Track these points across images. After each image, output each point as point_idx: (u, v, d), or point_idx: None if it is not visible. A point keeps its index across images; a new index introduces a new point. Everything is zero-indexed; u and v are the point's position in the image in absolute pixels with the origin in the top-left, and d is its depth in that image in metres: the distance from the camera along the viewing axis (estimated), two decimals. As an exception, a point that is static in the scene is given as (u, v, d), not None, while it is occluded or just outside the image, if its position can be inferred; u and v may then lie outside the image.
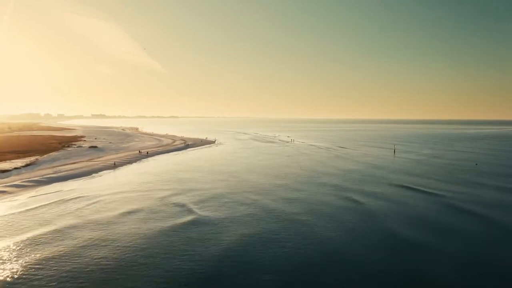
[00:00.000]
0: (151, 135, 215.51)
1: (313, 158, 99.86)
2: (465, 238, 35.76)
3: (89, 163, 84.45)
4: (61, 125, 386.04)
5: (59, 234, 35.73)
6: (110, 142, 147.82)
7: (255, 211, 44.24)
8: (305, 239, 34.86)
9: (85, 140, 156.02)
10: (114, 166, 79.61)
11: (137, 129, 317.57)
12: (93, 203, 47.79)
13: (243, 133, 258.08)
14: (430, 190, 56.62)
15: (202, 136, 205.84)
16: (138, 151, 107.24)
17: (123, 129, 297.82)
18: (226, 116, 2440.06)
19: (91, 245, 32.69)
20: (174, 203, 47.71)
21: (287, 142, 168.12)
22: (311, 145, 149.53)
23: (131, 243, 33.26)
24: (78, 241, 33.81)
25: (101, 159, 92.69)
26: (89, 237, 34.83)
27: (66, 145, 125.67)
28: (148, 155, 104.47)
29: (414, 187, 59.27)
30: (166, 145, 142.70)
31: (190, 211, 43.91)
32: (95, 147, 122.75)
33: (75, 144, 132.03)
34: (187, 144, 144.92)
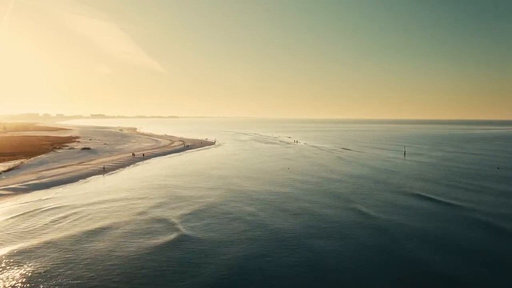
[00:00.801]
0: (149, 135, 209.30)
1: (317, 162, 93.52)
2: (504, 264, 29.50)
3: (79, 167, 78.19)
4: (58, 126, 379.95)
5: (9, 259, 29.37)
6: (105, 144, 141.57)
7: (251, 229, 37.51)
8: (307, 267, 28.61)
9: (79, 141, 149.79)
10: (104, 171, 73.27)
11: (135, 129, 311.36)
12: (67, 216, 41.59)
13: (244, 133, 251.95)
14: (454, 202, 50.07)
15: (202, 137, 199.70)
16: (132, 154, 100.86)
17: (120, 130, 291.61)
18: (226, 116, 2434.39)
19: (44, 276, 26.30)
20: (157, 218, 41.28)
21: (289, 143, 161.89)
22: (314, 146, 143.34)
23: (94, 272, 26.94)
24: (30, 269, 27.45)
25: (92, 162, 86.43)
26: (46, 263, 28.54)
27: (57, 147, 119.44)
28: (143, 157, 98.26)
29: (434, 197, 52.74)
30: (164, 146, 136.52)
31: (174, 229, 37.44)
32: (88, 148, 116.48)
33: (67, 146, 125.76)
34: (185, 146, 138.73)
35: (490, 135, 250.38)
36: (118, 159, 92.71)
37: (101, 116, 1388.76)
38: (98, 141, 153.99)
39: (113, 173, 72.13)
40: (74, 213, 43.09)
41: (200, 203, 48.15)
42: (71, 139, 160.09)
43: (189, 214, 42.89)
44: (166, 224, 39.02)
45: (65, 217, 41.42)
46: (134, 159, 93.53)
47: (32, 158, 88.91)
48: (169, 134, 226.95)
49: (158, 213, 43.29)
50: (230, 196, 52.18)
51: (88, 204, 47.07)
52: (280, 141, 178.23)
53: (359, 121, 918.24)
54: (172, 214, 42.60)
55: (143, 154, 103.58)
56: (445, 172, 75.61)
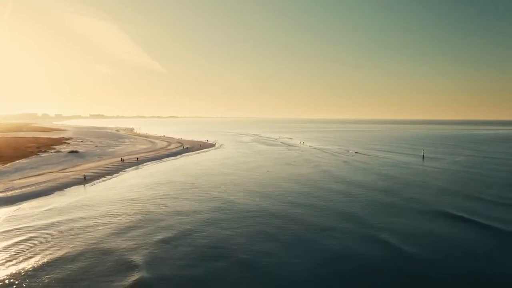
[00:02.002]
0: (145, 137, 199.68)
1: (325, 169, 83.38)
2: None
3: (59, 174, 68.65)
4: (54, 126, 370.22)
5: None
6: (96, 146, 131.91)
7: (239, 273, 27.66)
8: None
9: (69, 143, 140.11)
10: (84, 180, 63.44)
11: (132, 130, 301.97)
12: (4, 249, 31.90)
13: (245, 134, 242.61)
14: (506, 227, 40.47)
15: (201, 138, 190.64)
16: (120, 159, 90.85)
17: (117, 130, 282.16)
18: (226, 116, 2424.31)
19: None
20: (120, 251, 31.51)
21: (291, 145, 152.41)
22: (318, 149, 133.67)
23: None
24: None
25: (76, 168, 76.88)
26: None
27: (43, 150, 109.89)
28: (135, 162, 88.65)
29: (478, 220, 42.58)
30: (160, 149, 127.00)
31: (135, 268, 27.81)
32: (76, 152, 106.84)
33: (54, 148, 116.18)
34: (184, 148, 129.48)
35: (498, 135, 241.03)
36: (105, 164, 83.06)
37: (100, 116, 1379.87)
38: (90, 143, 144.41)
39: (95, 183, 62.18)
40: (19, 241, 33.52)
41: (180, 228, 37.86)
42: (61, 141, 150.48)
43: (162, 246, 32.81)
44: (126, 261, 29.35)
45: (2, 249, 31.83)
46: (124, 165, 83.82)
47: (8, 164, 79.31)
48: (167, 135, 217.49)
49: (123, 242, 33.49)
50: (222, 220, 41.27)
51: (43, 228, 37.51)
52: (281, 142, 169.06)
53: (360, 121, 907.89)
54: (137, 248, 32.35)
55: (137, 159, 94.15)
56: (479, 183, 65.72)
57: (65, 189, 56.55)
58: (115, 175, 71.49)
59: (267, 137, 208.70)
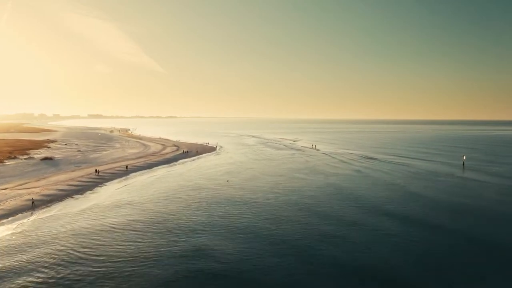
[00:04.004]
0: (139, 139, 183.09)
1: (341, 186, 67.18)
2: None
3: (11, 193, 52.31)
4: (46, 127, 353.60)
5: None
6: (79, 150, 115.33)
7: None
8: None
9: (49, 147, 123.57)
10: (33, 205, 45.98)
11: (127, 130, 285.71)
12: None
13: (247, 135, 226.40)
14: None
15: (201, 140, 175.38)
16: (95, 170, 73.22)
17: (111, 131, 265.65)
18: (226, 116, 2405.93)
19: None
20: None
21: (299, 149, 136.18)
22: (328, 154, 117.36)
23: None
24: None
25: (39, 183, 60.56)
26: None
27: (13, 156, 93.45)
28: (116, 173, 72.42)
29: None
30: (152, 154, 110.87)
31: None
32: (50, 159, 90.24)
33: (29, 154, 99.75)
34: (184, 152, 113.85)
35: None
36: (79, 177, 66.59)
37: (99, 116, 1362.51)
38: (74, 147, 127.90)
39: (50, 207, 45.02)
40: None
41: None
42: (42, 144, 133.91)
43: None
44: None
45: None
46: (103, 177, 67.26)
47: (-46, 177, 62.96)
48: (164, 136, 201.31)
49: None
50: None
51: None
52: (285, 145, 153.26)
53: (361, 122, 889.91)
54: None
55: (127, 167, 78.41)
56: None
57: (4, 220, 39.89)
58: (87, 192, 55.02)
59: (271, 139, 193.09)
